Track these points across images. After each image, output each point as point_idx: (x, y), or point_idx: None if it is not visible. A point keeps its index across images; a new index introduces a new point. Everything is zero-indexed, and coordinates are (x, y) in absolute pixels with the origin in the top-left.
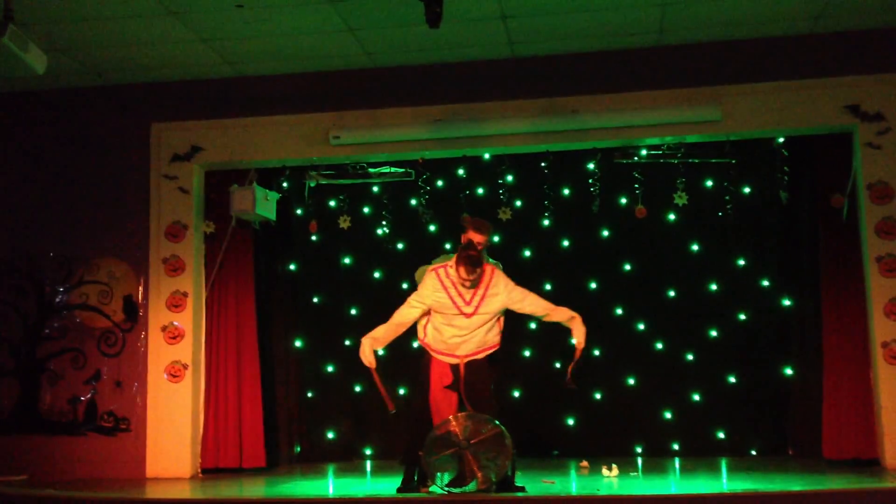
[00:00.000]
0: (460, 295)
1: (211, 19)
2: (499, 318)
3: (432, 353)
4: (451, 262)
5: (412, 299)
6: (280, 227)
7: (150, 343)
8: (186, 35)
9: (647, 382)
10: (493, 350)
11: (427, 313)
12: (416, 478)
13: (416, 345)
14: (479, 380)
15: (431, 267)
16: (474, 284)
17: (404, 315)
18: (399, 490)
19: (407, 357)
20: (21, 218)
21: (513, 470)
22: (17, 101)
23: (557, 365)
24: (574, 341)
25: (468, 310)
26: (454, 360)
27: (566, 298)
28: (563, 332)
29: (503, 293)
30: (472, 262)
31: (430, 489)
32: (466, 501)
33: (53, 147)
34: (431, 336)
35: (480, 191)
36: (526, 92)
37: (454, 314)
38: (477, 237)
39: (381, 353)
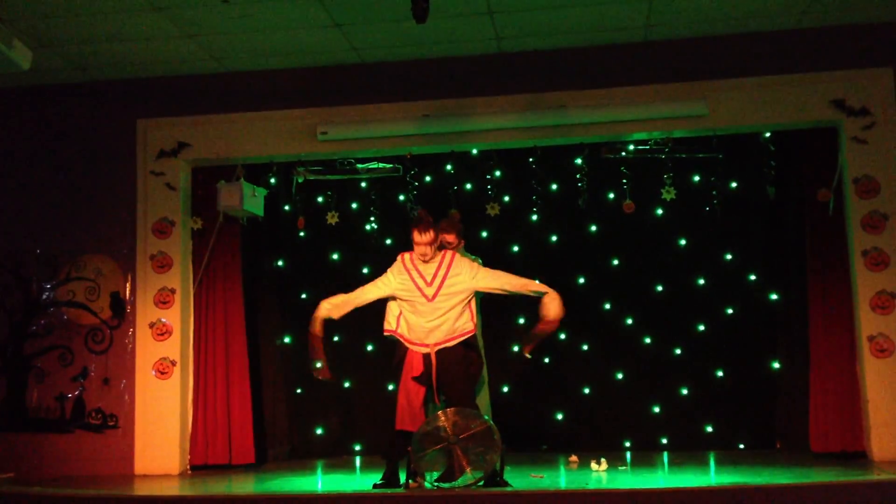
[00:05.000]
0: (422, 276)
1: (196, 15)
2: (468, 304)
3: (406, 344)
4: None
5: (377, 280)
6: (268, 223)
7: (137, 340)
8: (172, 30)
9: (635, 377)
10: (467, 337)
11: (392, 299)
12: (397, 473)
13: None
14: (453, 369)
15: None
16: (429, 257)
17: (366, 291)
18: (375, 486)
19: (392, 351)
20: (6, 215)
21: (501, 465)
22: (1, 97)
23: (546, 360)
24: (546, 314)
25: (429, 291)
26: (425, 350)
27: None
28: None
29: (466, 275)
30: (420, 221)
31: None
32: (455, 497)
33: (39, 144)
34: (404, 327)
35: (468, 186)
36: (513, 87)
37: (417, 298)
38: (445, 237)
39: (369, 348)
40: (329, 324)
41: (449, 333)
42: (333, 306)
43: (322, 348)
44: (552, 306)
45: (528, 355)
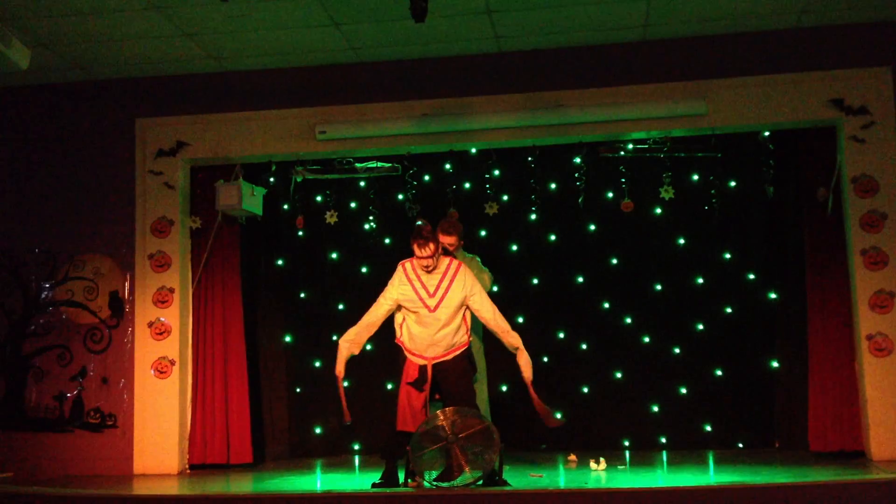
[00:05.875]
0: (424, 287)
1: (195, 14)
2: (464, 316)
3: (406, 353)
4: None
5: (380, 297)
6: (266, 223)
7: (136, 339)
8: (170, 30)
9: (634, 376)
10: (463, 350)
11: (398, 309)
12: (396, 473)
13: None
14: (452, 381)
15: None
16: (432, 268)
17: (373, 314)
18: (374, 485)
19: (393, 353)
20: (5, 214)
21: (500, 464)
22: (0, 96)
23: (545, 359)
24: (523, 375)
25: (432, 302)
26: (422, 362)
27: (553, 293)
28: (549, 326)
29: (466, 289)
30: (420, 236)
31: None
32: (454, 496)
33: (38, 143)
34: (406, 336)
35: (467, 185)
36: (512, 86)
37: (420, 308)
38: (447, 239)
39: (368, 347)
40: (329, 322)
41: (448, 348)
42: (351, 343)
43: (342, 391)
44: (527, 371)
45: (557, 421)
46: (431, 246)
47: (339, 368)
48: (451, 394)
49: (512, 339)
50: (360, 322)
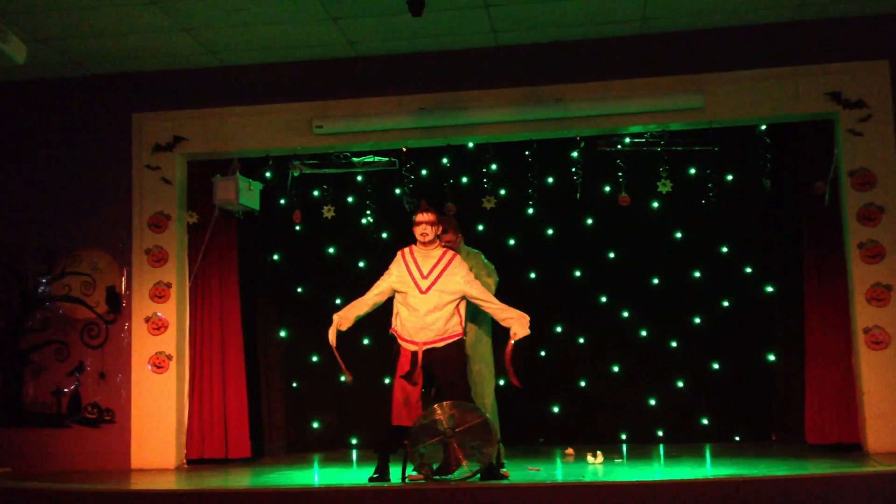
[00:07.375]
0: (419, 268)
1: (192, 8)
2: (457, 308)
3: (399, 341)
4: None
5: (378, 280)
6: (264, 217)
7: (133, 334)
8: (168, 24)
9: (631, 370)
10: (457, 340)
11: (394, 297)
12: (388, 466)
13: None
14: (443, 366)
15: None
16: (429, 238)
17: (367, 294)
18: (371, 479)
19: (389, 348)
20: (2, 209)
21: (498, 458)
22: None
23: (542, 353)
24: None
25: (424, 283)
26: (413, 347)
27: (550, 287)
28: (547, 320)
29: (461, 278)
30: (420, 206)
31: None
32: (451, 489)
33: (35, 138)
34: (399, 322)
35: (464, 179)
36: (509, 80)
37: (411, 289)
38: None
39: (365, 342)
40: (326, 317)
41: (439, 334)
42: (342, 318)
43: (339, 356)
44: (520, 328)
45: (518, 384)
46: (432, 213)
47: (331, 339)
48: (444, 385)
49: (512, 314)
50: (355, 301)
